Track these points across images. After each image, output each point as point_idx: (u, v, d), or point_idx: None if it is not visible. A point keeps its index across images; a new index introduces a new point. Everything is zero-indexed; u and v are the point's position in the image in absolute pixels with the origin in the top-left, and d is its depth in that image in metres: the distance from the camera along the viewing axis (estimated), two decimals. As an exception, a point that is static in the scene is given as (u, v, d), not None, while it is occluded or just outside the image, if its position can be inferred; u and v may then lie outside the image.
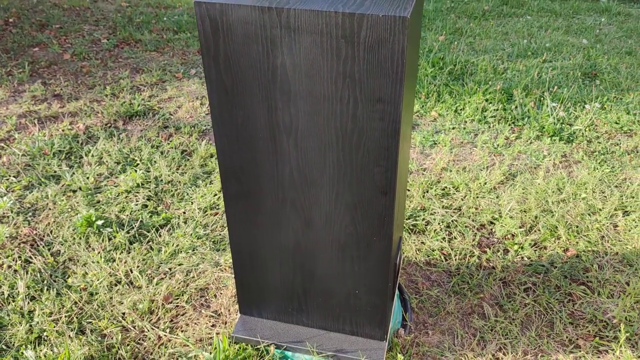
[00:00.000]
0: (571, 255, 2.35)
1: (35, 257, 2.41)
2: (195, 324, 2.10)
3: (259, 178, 1.60)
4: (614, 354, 1.92)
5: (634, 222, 2.50)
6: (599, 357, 1.93)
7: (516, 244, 2.43)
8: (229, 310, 2.16)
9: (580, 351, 1.95)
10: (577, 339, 1.99)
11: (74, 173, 3.01)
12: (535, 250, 2.40)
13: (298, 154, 1.52)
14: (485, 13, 5.61)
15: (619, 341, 1.95)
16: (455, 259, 2.37)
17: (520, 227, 2.51)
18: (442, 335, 2.02)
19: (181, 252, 2.47)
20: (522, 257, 2.37)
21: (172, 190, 2.90)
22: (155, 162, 3.12)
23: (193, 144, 3.30)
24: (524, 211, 2.60)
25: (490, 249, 2.42)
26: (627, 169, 2.87)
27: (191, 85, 4.03)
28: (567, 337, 2.00)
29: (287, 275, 1.80)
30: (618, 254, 2.35)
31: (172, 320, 2.12)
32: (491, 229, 2.54)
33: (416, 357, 1.93)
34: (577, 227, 2.50)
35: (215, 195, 2.85)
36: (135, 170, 3.02)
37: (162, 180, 2.98)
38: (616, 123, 3.27)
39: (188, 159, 3.16)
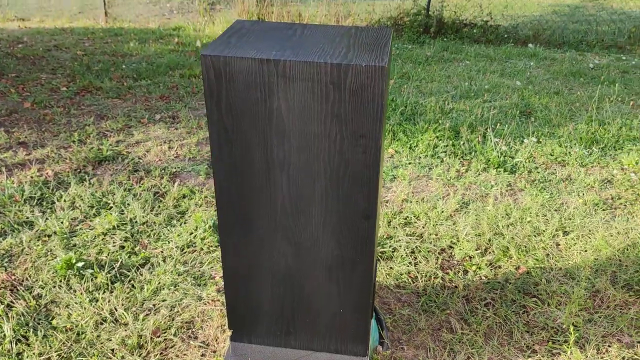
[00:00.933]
0: (522, 272, 2.63)
1: (17, 302, 2.45)
2: (185, 354, 2.20)
3: (253, 207, 1.78)
4: (565, 355, 2.18)
5: (572, 241, 2.82)
6: (552, 359, 2.17)
7: (474, 264, 2.68)
8: (216, 340, 2.27)
9: (537, 355, 2.19)
10: (534, 345, 2.24)
11: (47, 218, 3.06)
12: (491, 269, 2.66)
13: (290, 185, 1.71)
14: (428, 59, 6.08)
15: (569, 344, 2.21)
16: (422, 281, 2.59)
17: (476, 250, 2.78)
18: (416, 349, 2.22)
19: (163, 288, 2.57)
20: (480, 276, 2.62)
21: (148, 231, 3.00)
22: (128, 204, 3.22)
23: (165, 185, 3.42)
24: (479, 235, 2.88)
25: (451, 270, 2.67)
26: (563, 195, 3.23)
27: (157, 130, 4.17)
28: (524, 344, 2.24)
29: (277, 298, 1.96)
30: (562, 269, 2.64)
31: (162, 353, 2.21)
32: (451, 253, 2.79)
33: (395, 370, 2.11)
34: (525, 247, 2.79)
35: (192, 233, 2.98)
36: (110, 213, 3.10)
37: (137, 221, 3.08)
38: (551, 155, 3.66)
39: (161, 200, 3.28)
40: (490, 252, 2.76)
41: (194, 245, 2.90)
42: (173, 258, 2.78)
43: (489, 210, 3.07)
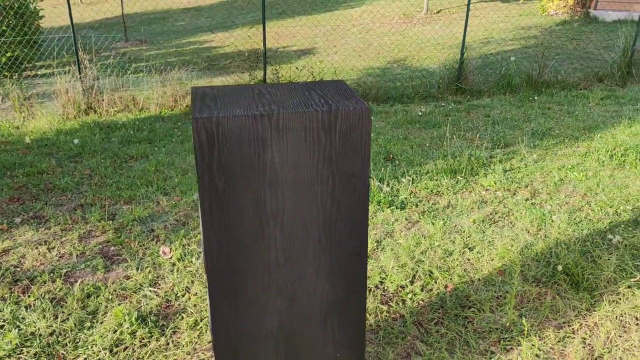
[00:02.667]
0: (451, 289, 2.89)
1: None
2: None
3: (246, 268, 1.74)
4: (518, 348, 2.44)
5: (479, 254, 3.20)
6: (508, 354, 2.42)
7: (409, 292, 2.88)
8: None
9: (495, 355, 2.42)
10: (490, 347, 2.47)
11: None
12: (425, 293, 2.88)
13: (284, 236, 1.73)
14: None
15: (519, 338, 2.49)
16: (371, 318, 2.69)
17: (405, 279, 2.98)
18: (395, 381, 2.29)
19: (108, 395, 2.27)
20: (418, 302, 2.81)
21: (60, 341, 2.64)
22: (23, 318, 2.80)
23: (60, 289, 3.04)
24: (402, 266, 3.10)
25: (391, 302, 2.82)
26: (453, 219, 3.64)
27: (25, 234, 3.69)
28: (482, 348, 2.46)
29: (272, 361, 1.90)
30: (480, 279, 2.97)
31: None
32: (384, 287, 2.95)
33: (388, 404, 2.15)
34: (444, 267, 3.08)
35: (116, 331, 2.69)
36: (8, 331, 2.66)
37: (42, 334, 2.69)
38: (426, 188, 4.11)
39: (63, 305, 2.91)
40: (418, 279, 2.99)
41: (122, 342, 2.62)
42: (104, 361, 2.48)
43: (401, 243, 3.32)
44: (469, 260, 3.15)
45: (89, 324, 2.76)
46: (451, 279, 2.97)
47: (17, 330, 2.69)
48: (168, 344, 2.62)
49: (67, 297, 2.97)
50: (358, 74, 9.50)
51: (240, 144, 1.58)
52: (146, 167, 4.93)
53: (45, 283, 3.11)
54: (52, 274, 3.19)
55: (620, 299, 2.74)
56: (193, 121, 1.53)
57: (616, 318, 2.62)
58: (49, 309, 2.86)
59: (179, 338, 2.65)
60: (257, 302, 1.79)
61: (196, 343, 2.62)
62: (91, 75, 8.31)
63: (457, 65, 7.82)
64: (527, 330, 2.55)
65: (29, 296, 2.99)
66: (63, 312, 2.85)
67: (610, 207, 3.67)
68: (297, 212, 1.70)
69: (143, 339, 2.65)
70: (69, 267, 3.28)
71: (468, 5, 7.77)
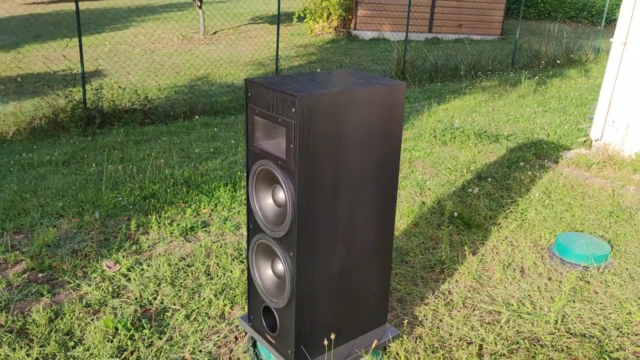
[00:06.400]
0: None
1: None
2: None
3: (323, 222, 2.10)
4: (457, 271, 3.21)
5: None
6: (453, 277, 3.17)
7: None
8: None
9: (446, 279, 3.14)
10: (438, 277, 3.19)
11: None
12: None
13: (349, 192, 2.15)
14: (124, 145, 6.25)
15: (454, 267, 3.26)
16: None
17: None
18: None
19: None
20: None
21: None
22: None
23: (12, 320, 2.79)
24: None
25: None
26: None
27: None
28: (434, 278, 3.16)
29: (333, 303, 2.27)
30: (403, 234, 3.68)
31: None
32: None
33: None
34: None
35: (111, 341, 2.65)
36: None
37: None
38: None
39: (28, 333, 2.70)
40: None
41: (125, 348, 2.60)
42: None
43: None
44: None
45: (72, 343, 2.65)
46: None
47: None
48: (172, 338, 2.69)
49: (27, 327, 2.75)
50: (167, 93, 9.55)
51: (325, 117, 1.97)
52: (8, 198, 4.46)
53: (-12, 320, 2.80)
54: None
55: (500, 229, 3.75)
56: (298, 100, 1.87)
57: (503, 240, 3.60)
58: (14, 340, 2.63)
59: (181, 331, 2.75)
60: (329, 252, 2.17)
61: (201, 331, 2.75)
62: None
63: (273, 78, 8.57)
64: (455, 260, 3.35)
65: (-25, 336, 2.67)
66: (32, 339, 2.65)
67: (456, 171, 4.78)
68: (358, 171, 2.14)
69: (145, 340, 2.67)
70: (4, 301, 2.97)
71: (278, 22, 8.58)
